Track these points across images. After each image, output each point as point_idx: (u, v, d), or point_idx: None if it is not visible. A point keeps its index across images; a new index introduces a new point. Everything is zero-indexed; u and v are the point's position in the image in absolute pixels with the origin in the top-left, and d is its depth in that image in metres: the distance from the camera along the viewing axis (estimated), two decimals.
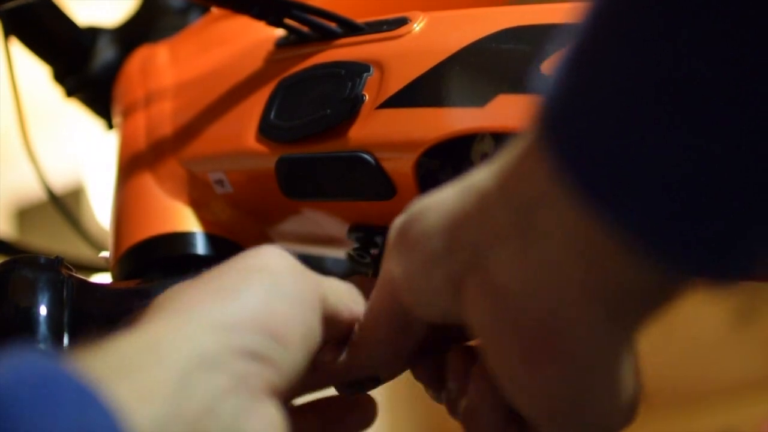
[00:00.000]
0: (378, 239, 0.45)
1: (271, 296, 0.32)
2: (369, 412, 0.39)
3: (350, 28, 0.45)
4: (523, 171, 0.28)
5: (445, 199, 0.31)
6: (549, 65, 0.37)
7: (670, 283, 0.27)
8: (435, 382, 0.37)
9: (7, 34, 0.57)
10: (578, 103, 0.26)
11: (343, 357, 0.36)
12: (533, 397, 0.30)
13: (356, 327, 0.36)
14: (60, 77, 0.60)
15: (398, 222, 0.33)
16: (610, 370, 0.29)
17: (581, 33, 0.26)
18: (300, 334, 0.32)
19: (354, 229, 0.46)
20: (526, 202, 0.28)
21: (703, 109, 0.23)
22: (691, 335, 1.50)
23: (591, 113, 0.25)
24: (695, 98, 0.23)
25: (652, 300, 0.28)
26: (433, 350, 0.37)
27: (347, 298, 0.36)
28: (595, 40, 0.25)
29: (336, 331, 0.36)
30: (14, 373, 0.25)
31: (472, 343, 0.37)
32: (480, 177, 0.30)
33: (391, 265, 0.33)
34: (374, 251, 0.45)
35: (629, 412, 0.31)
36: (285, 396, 0.31)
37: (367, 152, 0.41)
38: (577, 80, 0.26)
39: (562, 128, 0.26)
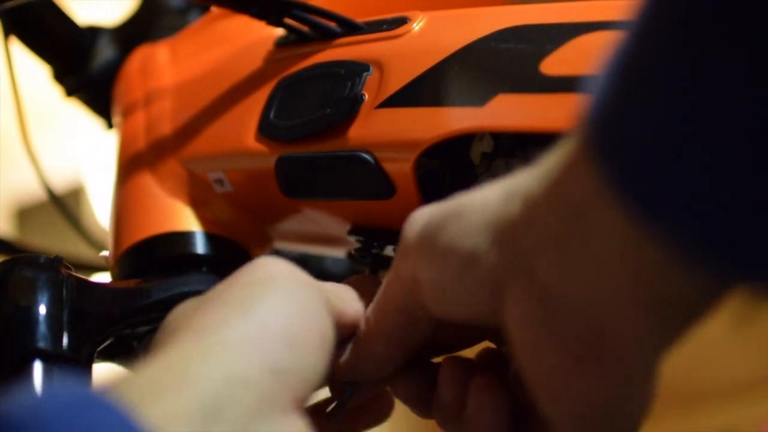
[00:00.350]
0: (379, 240, 0.45)
1: (283, 308, 0.32)
2: (385, 408, 0.40)
3: (350, 28, 0.45)
4: (571, 178, 0.28)
5: (484, 201, 0.31)
6: (548, 65, 0.37)
7: (716, 291, 0.27)
8: (422, 399, 0.37)
9: (7, 34, 0.57)
10: (628, 112, 0.25)
11: (346, 355, 0.37)
12: (569, 401, 0.30)
13: (361, 324, 0.36)
14: (60, 77, 0.60)
15: (419, 219, 0.33)
16: (648, 377, 0.30)
17: (636, 35, 0.25)
18: (317, 342, 0.32)
19: (355, 230, 0.46)
20: (574, 209, 0.28)
21: (746, 125, 0.23)
22: (691, 335, 1.50)
23: (641, 123, 0.25)
24: (743, 114, 0.23)
25: (696, 310, 0.28)
26: (419, 361, 0.37)
27: (348, 299, 0.37)
28: (650, 46, 0.25)
29: (343, 332, 0.36)
30: (48, 398, 0.25)
31: (463, 353, 0.37)
32: (526, 180, 0.30)
33: (411, 263, 0.33)
34: (375, 251, 0.45)
35: (648, 413, 0.32)
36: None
37: (367, 152, 0.41)
38: (629, 87, 0.25)
39: (611, 137, 0.26)
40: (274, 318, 0.31)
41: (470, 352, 0.38)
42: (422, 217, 0.33)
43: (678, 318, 0.28)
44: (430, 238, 0.32)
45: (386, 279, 0.35)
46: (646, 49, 0.25)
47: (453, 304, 0.32)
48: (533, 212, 0.29)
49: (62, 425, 0.24)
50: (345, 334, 0.36)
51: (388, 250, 0.45)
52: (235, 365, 0.29)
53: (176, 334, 0.31)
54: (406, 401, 0.37)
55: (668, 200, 0.25)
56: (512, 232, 0.30)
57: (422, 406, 0.37)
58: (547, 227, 0.29)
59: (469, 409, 0.34)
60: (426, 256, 0.32)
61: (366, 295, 0.38)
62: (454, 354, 0.38)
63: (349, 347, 0.37)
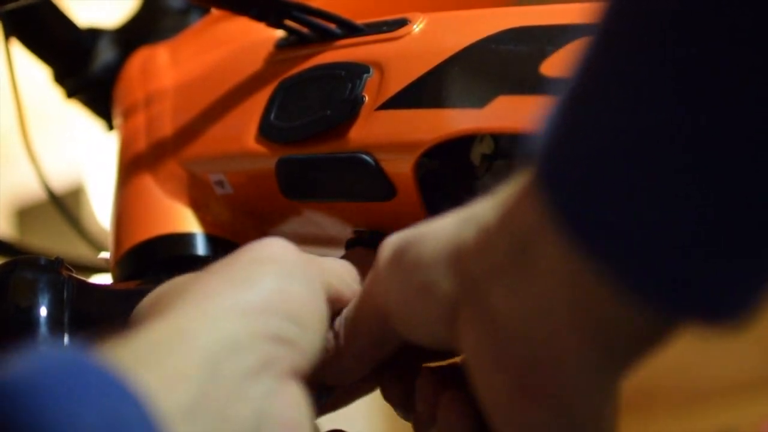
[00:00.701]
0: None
1: (284, 283, 0.32)
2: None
3: (350, 29, 0.46)
4: (520, 207, 0.28)
5: (443, 228, 0.31)
6: (549, 66, 0.37)
7: (660, 325, 0.27)
8: (404, 403, 0.37)
9: (7, 36, 0.57)
10: (572, 146, 0.26)
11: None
12: (517, 429, 0.30)
13: (329, 339, 0.36)
14: (60, 78, 0.60)
15: (390, 244, 0.33)
16: (599, 410, 0.29)
17: (583, 71, 0.26)
18: (316, 317, 0.33)
19: (357, 235, 0.46)
20: (521, 237, 0.28)
21: (698, 165, 0.24)
22: (691, 335, 1.50)
23: (584, 157, 0.25)
24: (690, 153, 0.24)
25: (643, 341, 0.28)
26: (403, 365, 0.37)
27: (348, 278, 0.37)
28: (594, 83, 0.26)
29: (338, 311, 0.37)
30: (40, 364, 0.25)
31: (441, 363, 0.37)
32: (480, 209, 0.30)
33: (382, 287, 0.33)
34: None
35: None
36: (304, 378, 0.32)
37: (367, 153, 0.42)
38: (574, 121, 0.26)
39: (555, 168, 0.26)
40: (273, 291, 0.32)
41: None
42: (392, 242, 0.33)
43: (624, 350, 0.28)
44: (395, 263, 0.33)
45: (357, 299, 0.36)
46: (593, 85, 0.26)
47: (415, 328, 0.33)
48: (485, 240, 0.29)
49: (55, 391, 0.24)
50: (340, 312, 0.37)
51: None
52: (233, 330, 0.29)
53: (173, 301, 0.31)
54: (388, 402, 0.38)
55: (605, 229, 0.25)
56: (465, 260, 0.30)
57: (403, 410, 0.37)
58: (497, 255, 0.29)
59: (438, 424, 0.35)
60: (392, 281, 0.33)
61: (365, 272, 0.38)
62: (437, 363, 0.37)
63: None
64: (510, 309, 0.29)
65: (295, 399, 0.30)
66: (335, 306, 0.36)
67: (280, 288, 0.32)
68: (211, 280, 0.32)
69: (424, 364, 0.37)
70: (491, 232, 0.29)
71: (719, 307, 0.25)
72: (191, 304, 0.30)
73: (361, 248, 0.44)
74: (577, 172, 0.26)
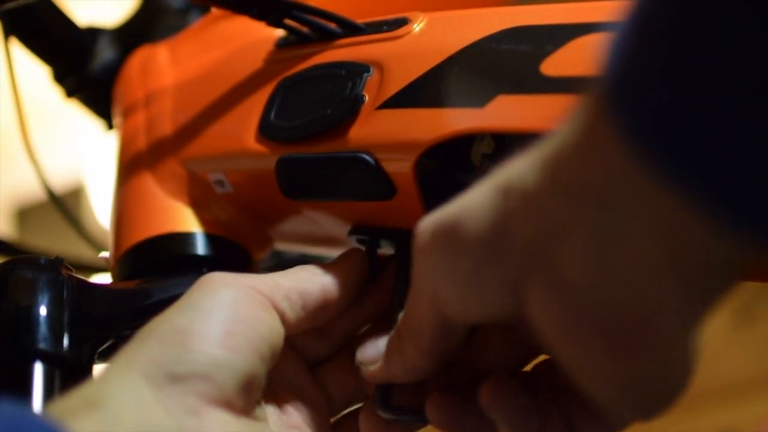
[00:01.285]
0: (382, 242, 0.45)
1: (184, 319, 0.35)
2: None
3: (350, 29, 0.45)
4: (582, 156, 0.26)
5: (481, 205, 0.30)
6: (549, 66, 0.37)
7: (750, 253, 0.25)
8: (452, 417, 0.37)
9: (7, 35, 0.57)
10: (652, 65, 0.23)
11: (380, 364, 0.38)
12: (614, 382, 0.29)
13: (392, 334, 0.37)
14: (60, 78, 0.60)
15: (427, 230, 0.32)
16: (689, 345, 0.29)
17: None
18: (246, 341, 0.35)
19: (355, 231, 0.46)
20: (590, 188, 0.26)
21: None
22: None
23: (668, 76, 0.23)
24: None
25: (732, 272, 0.26)
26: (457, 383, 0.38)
27: (304, 282, 0.40)
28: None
29: (316, 309, 0.39)
30: None
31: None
32: (517, 173, 0.28)
33: (429, 275, 0.32)
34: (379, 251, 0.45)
35: (689, 383, 0.31)
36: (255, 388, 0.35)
37: (367, 152, 0.41)
38: (653, 40, 0.24)
39: (635, 95, 0.24)
40: (175, 333, 0.34)
41: None
42: (428, 228, 0.32)
43: (714, 283, 0.27)
44: (439, 248, 0.31)
45: (408, 297, 0.35)
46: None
47: (472, 305, 0.32)
48: (536, 203, 0.28)
49: None
50: (319, 309, 0.40)
51: (387, 249, 0.45)
52: (139, 384, 0.33)
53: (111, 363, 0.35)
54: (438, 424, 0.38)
55: (696, 153, 0.23)
56: (514, 230, 0.29)
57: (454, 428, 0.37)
58: (558, 215, 0.27)
59: None
60: (439, 267, 0.32)
61: (349, 268, 0.41)
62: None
63: (382, 355, 0.38)
64: (588, 267, 0.27)
65: (213, 427, 0.33)
66: (306, 306, 0.39)
67: (177, 327, 0.35)
68: (136, 339, 0.35)
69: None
70: (542, 193, 0.27)
71: None
72: (114, 362, 0.34)
73: (347, 250, 0.44)
74: (662, 94, 0.23)
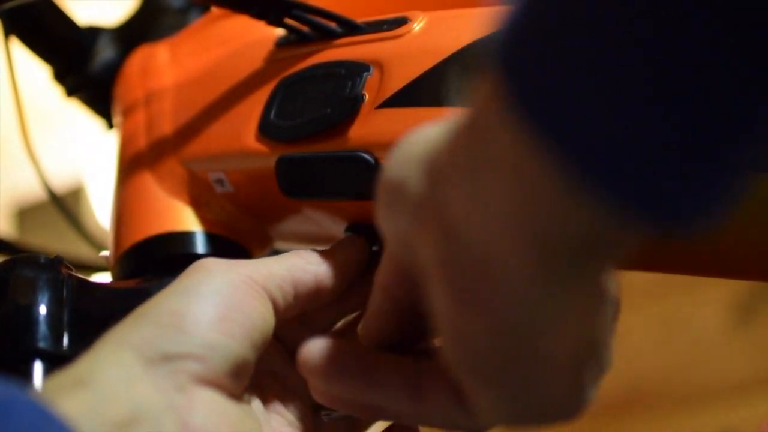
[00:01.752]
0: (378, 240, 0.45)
1: (176, 300, 0.36)
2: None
3: (350, 28, 0.46)
4: (481, 101, 0.26)
5: (429, 132, 0.30)
6: None
7: (611, 230, 0.24)
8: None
9: (7, 34, 0.57)
10: (534, 29, 0.23)
11: (360, 326, 0.38)
12: (465, 348, 0.29)
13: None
14: (60, 77, 0.60)
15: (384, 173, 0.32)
16: (540, 322, 0.27)
17: None
18: (236, 325, 0.35)
19: (351, 228, 0.46)
20: (480, 132, 0.26)
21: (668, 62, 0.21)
22: (691, 335, 1.50)
23: (548, 40, 0.23)
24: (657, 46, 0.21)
25: (591, 250, 0.25)
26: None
27: (300, 267, 0.39)
28: None
29: (310, 296, 0.40)
30: None
31: None
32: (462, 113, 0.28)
33: (384, 222, 0.33)
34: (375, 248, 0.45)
35: (572, 402, 0.30)
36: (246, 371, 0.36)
37: (367, 152, 0.42)
38: (536, 5, 0.23)
39: (515, 54, 0.24)
40: (169, 314, 0.35)
41: None
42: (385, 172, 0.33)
43: (563, 257, 0.25)
44: (380, 194, 0.32)
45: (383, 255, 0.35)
46: None
47: (390, 236, 0.32)
48: (454, 138, 0.28)
49: None
50: (309, 299, 0.40)
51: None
52: (129, 362, 0.33)
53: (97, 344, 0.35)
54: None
55: (565, 117, 0.22)
56: (435, 163, 0.29)
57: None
58: (460, 153, 0.27)
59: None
60: (379, 210, 0.32)
61: (346, 258, 0.41)
62: None
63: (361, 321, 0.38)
64: (463, 209, 0.27)
65: (203, 405, 0.33)
66: (299, 294, 0.39)
67: (172, 310, 0.35)
68: (127, 320, 0.35)
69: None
70: (460, 129, 0.27)
71: (678, 210, 0.23)
72: (103, 341, 0.34)
73: (344, 238, 0.44)
74: (534, 47, 0.23)
